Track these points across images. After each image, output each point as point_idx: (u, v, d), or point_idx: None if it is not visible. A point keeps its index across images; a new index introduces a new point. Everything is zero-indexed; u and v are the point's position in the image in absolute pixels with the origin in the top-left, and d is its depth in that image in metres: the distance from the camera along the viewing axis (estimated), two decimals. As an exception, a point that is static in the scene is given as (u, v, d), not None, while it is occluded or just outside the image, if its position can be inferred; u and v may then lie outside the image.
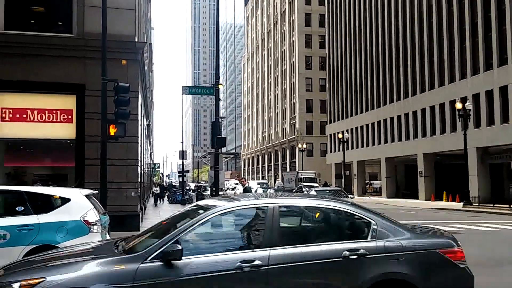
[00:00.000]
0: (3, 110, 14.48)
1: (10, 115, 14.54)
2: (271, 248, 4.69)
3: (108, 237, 8.76)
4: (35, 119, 14.65)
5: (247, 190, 15.31)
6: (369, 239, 4.98)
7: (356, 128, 57.37)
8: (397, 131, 47.81)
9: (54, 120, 14.85)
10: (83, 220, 7.69)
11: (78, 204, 7.87)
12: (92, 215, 7.81)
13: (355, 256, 4.79)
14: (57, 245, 7.46)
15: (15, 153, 16.14)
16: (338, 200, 5.74)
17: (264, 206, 5.06)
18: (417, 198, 42.95)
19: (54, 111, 14.89)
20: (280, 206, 5.06)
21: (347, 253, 4.79)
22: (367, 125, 54.77)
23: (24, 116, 14.62)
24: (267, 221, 4.90)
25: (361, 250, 4.82)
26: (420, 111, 43.68)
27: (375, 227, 5.04)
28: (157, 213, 26.16)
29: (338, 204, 5.37)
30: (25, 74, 14.50)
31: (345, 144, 50.03)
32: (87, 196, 8.15)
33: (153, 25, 78.12)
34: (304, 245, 4.88)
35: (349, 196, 25.36)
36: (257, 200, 5.42)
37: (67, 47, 14.95)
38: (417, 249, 4.96)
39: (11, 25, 14.76)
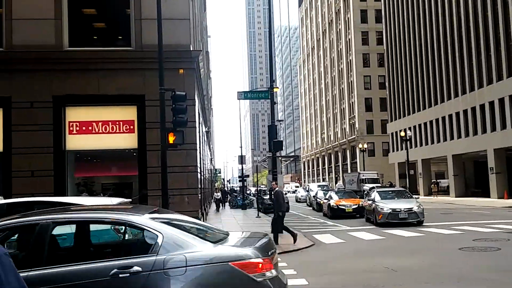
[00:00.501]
0: (71, 124, 15.22)
1: (77, 128, 15.27)
2: (32, 270, 4.33)
3: None
4: (100, 131, 15.28)
5: (278, 196, 14.61)
6: (148, 254, 4.51)
7: (419, 125, 55.26)
8: (463, 126, 45.53)
9: (117, 131, 15.42)
10: (113, 228, 7.82)
11: None
12: None
13: (126, 274, 4.33)
14: None
15: (83, 164, 16.93)
16: (122, 211, 5.17)
17: (33, 223, 4.69)
18: (488, 196, 40.58)
19: (117, 122, 15.46)
20: (53, 222, 4.68)
21: (116, 271, 4.34)
22: (431, 122, 52.61)
23: (90, 128, 15.29)
24: (33, 239, 4.58)
25: (135, 268, 4.36)
26: (488, 104, 41.32)
27: (160, 240, 4.56)
28: (219, 218, 26.48)
29: (120, 216, 4.89)
30: (88, 88, 15.16)
31: (408, 142, 48.30)
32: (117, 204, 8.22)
33: (209, 33, 79.89)
34: (69, 264, 4.47)
35: (414, 196, 24.38)
36: (24, 218, 4.97)
37: (127, 59, 15.49)
38: (205, 262, 4.51)
39: (74, 42, 15.53)
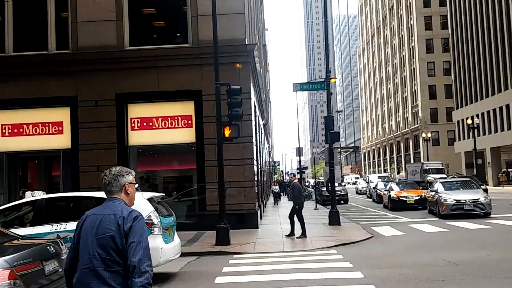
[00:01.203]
0: (132, 120, 15.91)
1: (139, 124, 15.94)
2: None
3: (176, 236, 9.03)
4: (160, 126, 15.86)
5: (295, 188, 14.04)
6: None
7: (488, 112, 52.38)
8: (537, 113, 42.64)
9: (176, 126, 15.92)
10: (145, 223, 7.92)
11: (139, 207, 8.11)
12: (153, 218, 8.03)
13: None
14: None
15: (145, 158, 17.64)
16: None
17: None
18: None
19: (176, 118, 15.97)
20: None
21: None
22: (500, 108, 49.68)
23: (150, 124, 15.91)
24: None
25: None
26: None
27: None
28: (276, 210, 26.62)
29: None
30: (148, 85, 15.76)
31: (476, 130, 45.95)
32: (149, 199, 8.37)
33: (266, 26, 79.81)
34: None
35: (482, 186, 23.24)
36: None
37: (184, 56, 15.93)
38: None
39: (135, 41, 16.17)
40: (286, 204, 32.13)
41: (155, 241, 7.86)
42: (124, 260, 2.90)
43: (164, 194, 10.32)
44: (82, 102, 15.65)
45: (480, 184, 24.04)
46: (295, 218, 13.74)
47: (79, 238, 3.04)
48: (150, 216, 7.99)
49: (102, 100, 15.65)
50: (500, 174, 47.86)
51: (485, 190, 23.99)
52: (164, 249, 8.05)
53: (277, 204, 32.25)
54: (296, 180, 14.57)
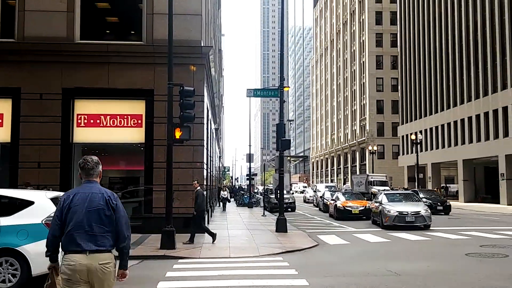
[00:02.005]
0: (79, 116, 15.29)
1: (85, 121, 15.34)
2: None
3: None
4: (108, 124, 15.33)
5: (198, 196, 13.52)
6: None
7: (431, 128, 54.75)
8: (475, 131, 44.98)
9: (125, 125, 15.46)
10: (45, 223, 7.58)
11: (42, 207, 7.82)
12: None
13: None
14: (16, 248, 7.49)
15: (90, 156, 16.97)
16: None
17: None
18: (498, 202, 40.04)
19: (125, 116, 15.51)
20: None
21: None
22: (442, 126, 52.07)
23: (98, 121, 15.35)
24: None
25: None
26: (501, 109, 40.74)
27: None
28: (224, 215, 26.46)
29: None
30: (98, 82, 15.23)
31: (419, 145, 47.88)
32: (53, 198, 8.09)
33: (223, 31, 79.90)
34: None
35: (423, 199, 24.12)
36: None
37: (137, 54, 15.53)
38: None
39: (86, 35, 15.59)
40: (234, 210, 32.06)
41: None
42: (108, 227, 3.97)
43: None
44: (26, 94, 14.88)
45: (421, 198, 24.89)
46: (195, 224, 13.57)
47: (68, 210, 3.95)
48: (51, 216, 7.58)
49: (48, 93, 14.95)
50: (437, 188, 49.96)
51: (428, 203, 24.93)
52: None
53: (225, 210, 31.18)
54: (199, 188, 13.75)
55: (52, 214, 7.19)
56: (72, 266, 3.87)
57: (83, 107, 15.41)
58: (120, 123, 15.41)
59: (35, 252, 7.42)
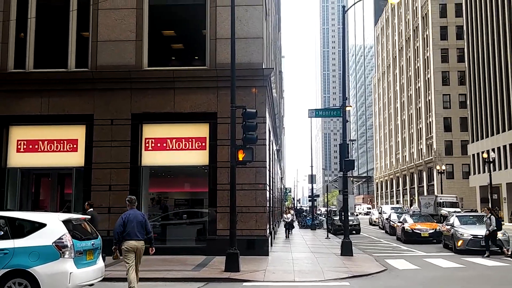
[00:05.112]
0: (147, 140, 15.86)
1: (153, 145, 15.87)
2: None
3: (99, 260, 8.85)
4: (174, 148, 15.76)
5: (92, 218, 11.08)
6: None
7: (504, 146, 51.62)
8: (556, 149, 41.86)
9: (190, 147, 15.82)
10: (55, 245, 7.75)
11: (53, 229, 7.97)
12: (65, 240, 7.86)
13: None
14: (27, 270, 7.61)
15: (157, 179, 17.50)
16: None
17: None
18: None
19: (190, 139, 15.88)
20: None
21: None
22: (517, 143, 48.97)
23: (164, 145, 15.83)
24: None
25: None
26: None
27: None
28: (287, 239, 26.10)
29: None
30: (164, 106, 15.75)
31: (492, 164, 45.21)
32: (65, 221, 8.21)
33: (283, 53, 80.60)
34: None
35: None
36: None
37: (201, 78, 15.94)
38: None
39: (153, 62, 16.25)
40: (297, 232, 31.35)
41: (64, 265, 7.77)
42: (144, 229, 9.20)
43: (89, 216, 9.85)
44: (98, 120, 15.68)
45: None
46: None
47: (128, 221, 9.00)
48: (61, 238, 7.89)
49: (118, 119, 15.66)
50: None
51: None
52: (74, 273, 7.86)
53: (289, 237, 25.65)
54: (92, 209, 12.69)
55: (63, 236, 8.10)
56: (131, 244, 8.98)
57: (151, 131, 15.97)
58: (185, 146, 15.79)
59: (45, 273, 7.65)
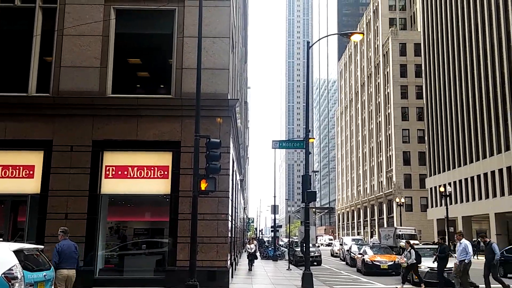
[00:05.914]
0: (107, 168, 15.54)
1: (113, 172, 15.55)
2: None
3: None
4: (135, 176, 15.50)
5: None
6: None
7: (460, 181, 53.52)
8: (507, 184, 43.72)
9: (152, 176, 15.60)
10: (4, 277, 7.48)
11: (3, 260, 7.71)
12: (15, 272, 7.63)
13: None
14: None
15: (116, 208, 17.08)
16: None
17: None
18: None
19: (153, 168, 15.68)
20: None
21: None
22: (472, 178, 50.88)
23: (125, 172, 15.54)
24: None
25: None
26: (533, 161, 39.71)
27: None
28: (249, 274, 25.79)
29: None
30: (127, 134, 15.56)
31: (448, 198, 46.68)
32: (16, 251, 7.97)
33: (249, 84, 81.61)
34: None
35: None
36: None
37: (166, 107, 15.88)
38: None
39: (117, 89, 16.11)
40: (258, 263, 30.90)
41: None
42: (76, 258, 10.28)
43: (42, 246, 9.64)
44: (57, 146, 15.29)
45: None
46: None
47: (61, 251, 9.95)
48: (11, 269, 7.59)
49: (78, 145, 15.33)
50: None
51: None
52: None
53: (251, 269, 24.36)
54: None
55: (13, 268, 7.84)
56: (63, 273, 9.66)
57: (112, 158, 15.68)
58: (147, 174, 15.57)
59: None
